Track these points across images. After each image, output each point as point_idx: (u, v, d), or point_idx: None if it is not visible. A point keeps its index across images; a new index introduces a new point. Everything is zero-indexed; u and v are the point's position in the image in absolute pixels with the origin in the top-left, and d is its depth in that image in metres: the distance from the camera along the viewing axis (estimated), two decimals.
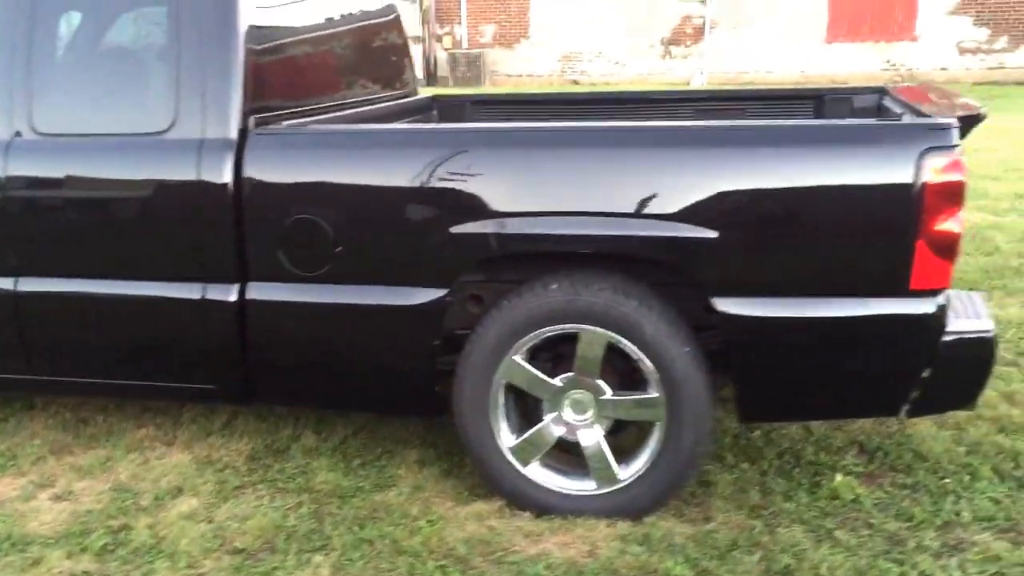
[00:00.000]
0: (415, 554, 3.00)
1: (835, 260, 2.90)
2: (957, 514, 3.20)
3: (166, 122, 3.25)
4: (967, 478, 3.43)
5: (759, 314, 2.93)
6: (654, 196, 2.93)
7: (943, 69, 19.48)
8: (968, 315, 3.08)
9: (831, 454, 3.62)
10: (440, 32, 21.79)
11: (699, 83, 19.92)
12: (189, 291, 3.28)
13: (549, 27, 21.23)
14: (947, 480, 3.42)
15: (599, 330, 3.03)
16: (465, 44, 21.52)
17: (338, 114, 3.70)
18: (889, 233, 2.84)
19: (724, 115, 4.45)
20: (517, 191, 3.02)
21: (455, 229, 3.05)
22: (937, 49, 19.49)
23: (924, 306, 2.85)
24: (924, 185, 2.76)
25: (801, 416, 3.45)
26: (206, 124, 3.21)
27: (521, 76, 21.59)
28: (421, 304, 3.11)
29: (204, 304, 3.27)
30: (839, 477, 3.42)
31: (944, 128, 2.81)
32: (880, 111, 4.01)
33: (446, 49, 21.56)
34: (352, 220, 3.15)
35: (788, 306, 2.93)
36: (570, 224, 2.97)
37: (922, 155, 2.76)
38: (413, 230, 3.11)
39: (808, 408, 3.21)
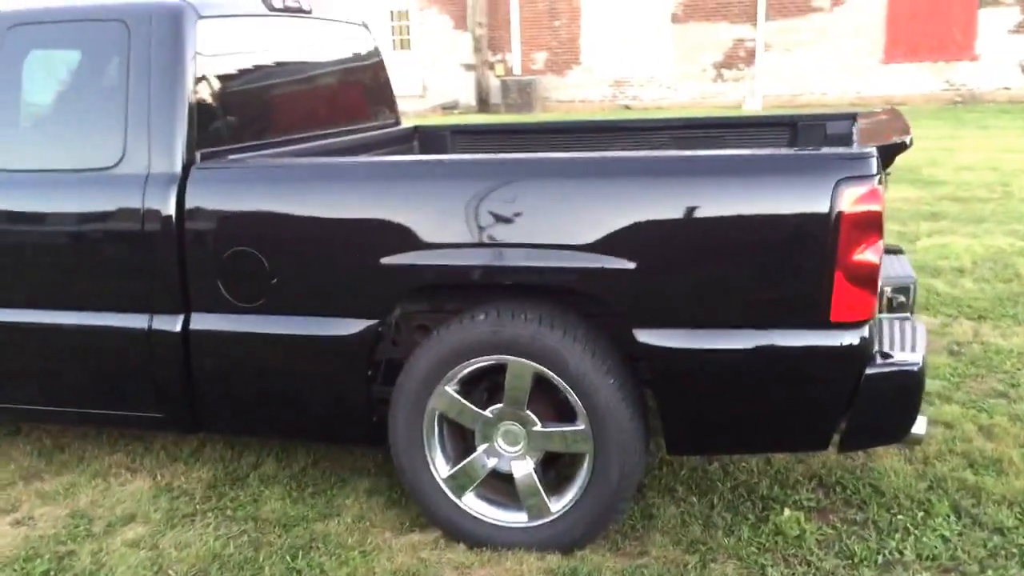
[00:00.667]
0: None
1: (753, 291, 2.86)
2: (901, 552, 3.12)
3: (115, 157, 3.32)
4: (921, 515, 3.34)
5: (679, 346, 2.90)
6: (572, 227, 2.92)
7: (1006, 88, 19.01)
8: (903, 346, 3.01)
9: (786, 488, 3.55)
10: (492, 60, 21.99)
11: (753, 107, 19.74)
12: (137, 321, 3.35)
13: (600, 53, 21.27)
14: (900, 516, 3.34)
15: (525, 361, 3.02)
16: (517, 71, 21.66)
17: (297, 148, 3.76)
18: (806, 264, 2.79)
19: (699, 143, 4.42)
20: (440, 223, 3.03)
21: (385, 260, 3.07)
22: (999, 68, 19.03)
23: (845, 338, 2.79)
24: (840, 215, 2.71)
25: (726, 449, 3.39)
26: (152, 159, 3.28)
27: (573, 102, 21.66)
28: (352, 335, 3.14)
29: (151, 334, 3.33)
30: (787, 512, 3.36)
31: (860, 158, 2.76)
32: (847, 139, 3.95)
33: (498, 76, 21.73)
34: (285, 252, 3.19)
35: (707, 338, 2.89)
36: (490, 256, 2.98)
37: (837, 185, 2.71)
38: (344, 262, 3.14)
39: (733, 441, 3.15)
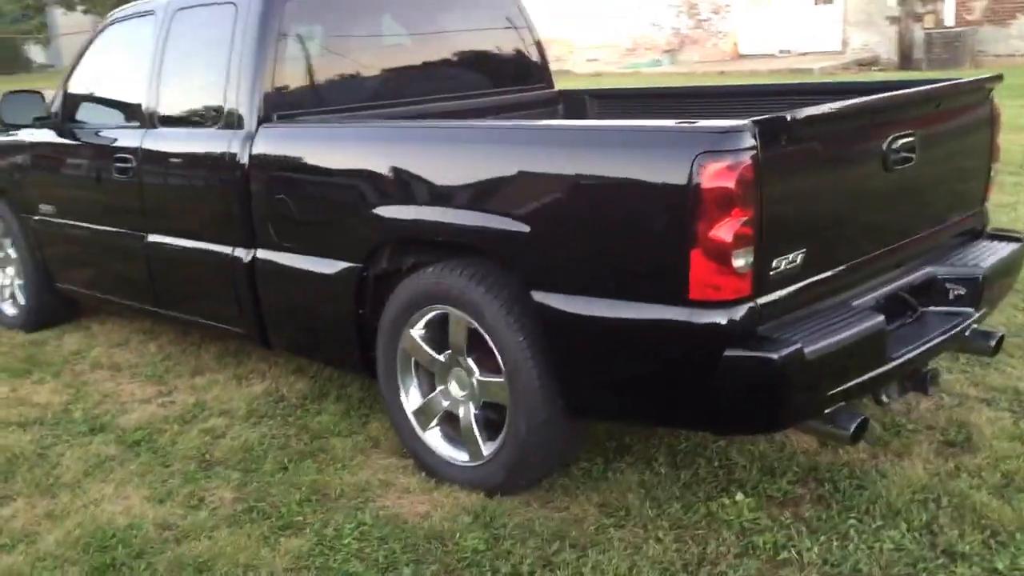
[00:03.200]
0: (296, 485, 3.53)
1: (625, 263, 2.88)
2: (825, 557, 2.95)
3: (219, 116, 4.08)
4: (878, 525, 3.08)
5: (562, 309, 3.00)
6: (481, 190, 3.15)
7: None
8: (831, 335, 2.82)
9: (768, 475, 3.43)
10: (922, 10, 20.27)
11: None
12: (225, 250, 4.10)
13: None
14: (857, 522, 3.11)
15: (458, 312, 3.30)
16: (949, 21, 19.78)
17: (380, 112, 4.24)
18: (667, 239, 2.76)
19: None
20: (389, 182, 3.41)
21: (362, 213, 3.52)
22: None
23: (703, 317, 2.72)
24: (697, 190, 2.66)
25: (611, 415, 3.33)
26: (238, 119, 3.99)
27: (1014, 56, 19.32)
28: (338, 272, 3.62)
29: (233, 262, 4.07)
30: (739, 496, 3.28)
31: (722, 132, 2.66)
32: None
33: (925, 29, 20.01)
34: (304, 201, 3.74)
35: (585, 304, 2.96)
36: (415, 213, 3.29)
37: (696, 159, 2.65)
38: (336, 212, 3.63)
39: (615, 408, 3.16)
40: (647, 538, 3.09)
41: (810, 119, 2.77)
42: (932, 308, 3.45)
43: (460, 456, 3.46)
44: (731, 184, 2.61)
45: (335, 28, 4.29)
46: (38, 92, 5.19)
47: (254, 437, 3.99)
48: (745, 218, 2.66)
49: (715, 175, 2.62)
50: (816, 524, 3.12)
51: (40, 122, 5.03)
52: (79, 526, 3.33)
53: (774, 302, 2.85)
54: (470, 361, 3.36)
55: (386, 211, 3.44)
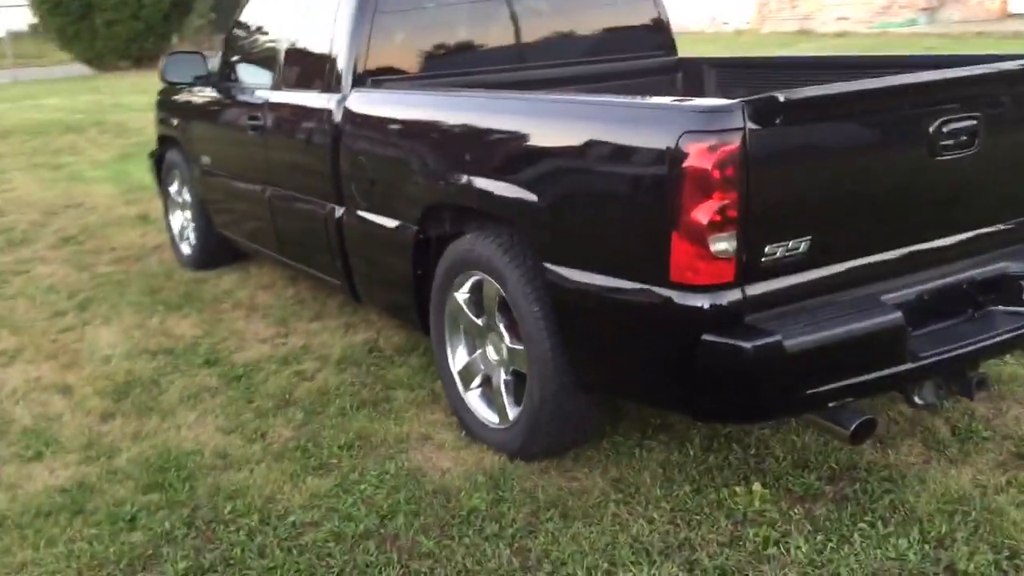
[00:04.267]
0: (346, 430, 3.79)
1: (617, 239, 2.88)
2: (813, 558, 2.87)
3: (323, 82, 4.36)
4: (889, 529, 2.95)
5: (566, 281, 3.04)
6: (499, 159, 3.25)
7: None
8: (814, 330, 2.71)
9: (799, 467, 3.33)
10: None
11: None
12: (325, 208, 4.40)
13: None
14: (867, 527, 2.99)
15: (489, 279, 3.41)
16: None
17: (474, 78, 4.35)
18: (652, 218, 2.73)
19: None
20: (440, 149, 3.56)
21: (414, 180, 3.69)
22: None
23: (683, 299, 2.67)
24: (679, 170, 2.62)
25: (607, 390, 3.27)
26: (335, 85, 4.25)
27: None
28: (396, 229, 3.81)
29: (327, 219, 4.36)
30: (755, 487, 3.22)
31: (708, 111, 2.60)
32: None
33: None
34: (376, 164, 3.96)
35: (584, 278, 2.98)
36: (457, 179, 3.42)
37: (681, 138, 2.61)
38: (400, 174, 3.82)
39: (609, 384, 3.16)
40: (641, 516, 3.09)
41: (810, 100, 2.64)
42: (1001, 307, 3.18)
43: (492, 418, 3.57)
44: (712, 166, 2.54)
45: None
46: (199, 52, 5.69)
47: (334, 382, 4.28)
48: (726, 202, 2.59)
49: (697, 155, 2.56)
50: (823, 523, 3.00)
51: (199, 80, 5.51)
52: (153, 447, 3.73)
53: (773, 290, 2.75)
54: (502, 327, 3.44)
55: (431, 176, 3.58)
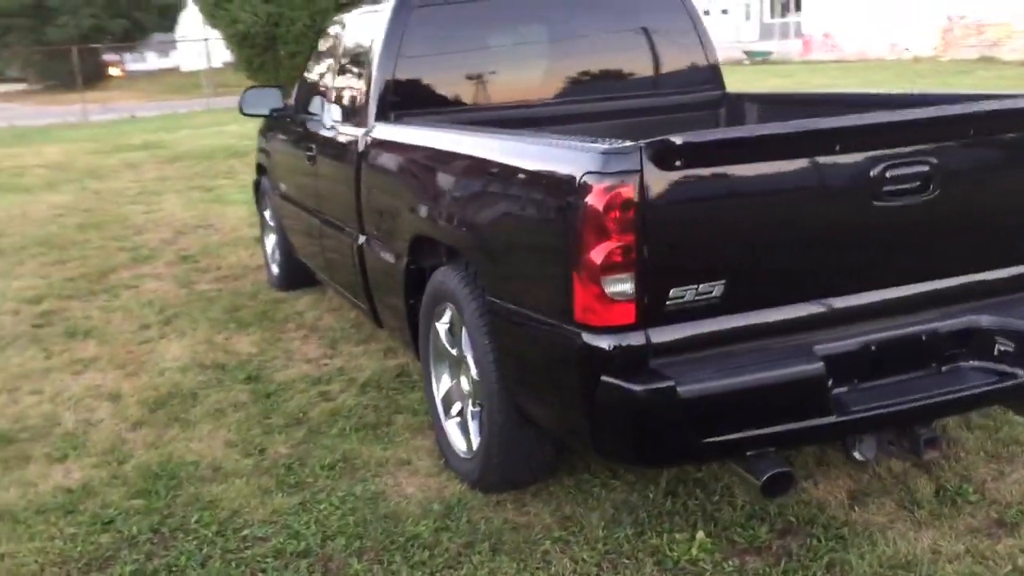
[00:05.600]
0: (335, 451, 3.94)
1: (536, 276, 2.92)
2: None
3: (356, 113, 4.58)
4: None
5: (500, 315, 3.09)
6: (451, 195, 3.35)
7: None
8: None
9: (756, 519, 3.24)
10: None
11: None
12: (350, 237, 4.61)
13: None
14: None
15: (455, 311, 3.50)
16: None
17: (488, 115, 4.44)
18: (558, 257, 2.75)
19: None
20: (420, 182, 3.69)
21: (407, 211, 3.83)
22: None
23: (584, 340, 2.65)
24: (577, 211, 2.64)
25: (538, 424, 3.22)
26: (362, 119, 4.46)
27: None
28: (391, 263, 3.96)
29: (352, 247, 4.56)
30: (698, 536, 3.16)
31: (605, 153, 2.60)
32: None
33: None
34: (376, 197, 4.12)
35: (512, 313, 3.02)
36: (426, 214, 3.54)
37: (581, 179, 2.63)
38: (394, 207, 3.97)
39: (536, 420, 3.14)
40: (570, 556, 3.07)
41: (712, 143, 2.59)
42: (972, 363, 3.00)
43: (462, 447, 3.64)
44: (605, 207, 2.53)
45: (462, 34, 4.53)
46: (278, 86, 6.03)
47: (350, 404, 4.45)
48: (621, 244, 2.57)
49: (594, 196, 2.56)
50: None
51: (276, 112, 5.86)
52: (159, 456, 4.00)
53: (686, 335, 2.70)
54: (469, 359, 3.51)
55: (415, 208, 3.70)
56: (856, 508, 3.24)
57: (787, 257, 2.78)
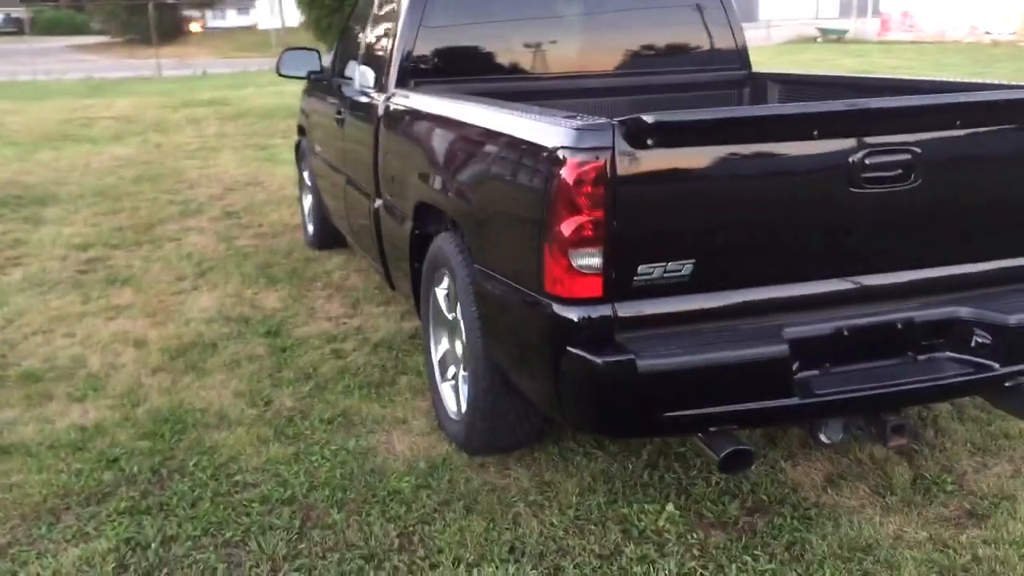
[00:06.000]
0: (336, 406, 4.08)
1: (513, 247, 2.99)
2: (655, 572, 2.89)
3: (378, 80, 4.68)
4: (769, 567, 2.91)
5: (483, 283, 3.18)
6: (444, 164, 3.45)
7: None
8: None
9: (728, 495, 3.30)
10: None
11: None
12: (368, 199, 4.73)
13: None
14: (751, 560, 2.95)
15: (450, 277, 3.60)
16: None
17: (501, 85, 4.49)
18: (532, 229, 2.81)
19: None
20: (423, 154, 3.77)
21: (413, 177, 3.93)
22: None
23: (552, 310, 2.72)
24: (550, 185, 2.71)
25: (518, 392, 3.29)
26: (383, 85, 4.57)
27: None
28: (401, 227, 4.06)
29: (370, 209, 4.69)
30: (668, 507, 3.24)
31: (579, 130, 2.65)
32: None
33: None
34: (393, 162, 4.22)
35: (493, 281, 3.11)
36: (415, 189, 3.63)
37: (554, 154, 2.70)
38: (403, 173, 4.07)
39: (516, 387, 3.22)
40: (539, 519, 3.16)
41: (685, 124, 2.64)
42: (949, 353, 3.02)
43: (453, 409, 3.74)
44: (576, 182, 2.60)
45: (485, 5, 4.60)
46: (314, 49, 6.15)
47: (360, 362, 4.59)
48: (590, 218, 2.64)
49: (566, 171, 2.62)
50: (710, 551, 2.98)
51: (312, 75, 5.98)
52: (171, 401, 4.18)
53: (654, 311, 2.76)
54: (462, 325, 3.60)
55: (419, 174, 3.79)
56: (829, 491, 3.27)
57: (759, 240, 2.81)
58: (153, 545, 3.06)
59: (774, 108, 2.76)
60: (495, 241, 3.11)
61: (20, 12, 55.66)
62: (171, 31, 41.83)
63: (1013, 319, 2.91)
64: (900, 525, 3.05)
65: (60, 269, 6.47)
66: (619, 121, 2.59)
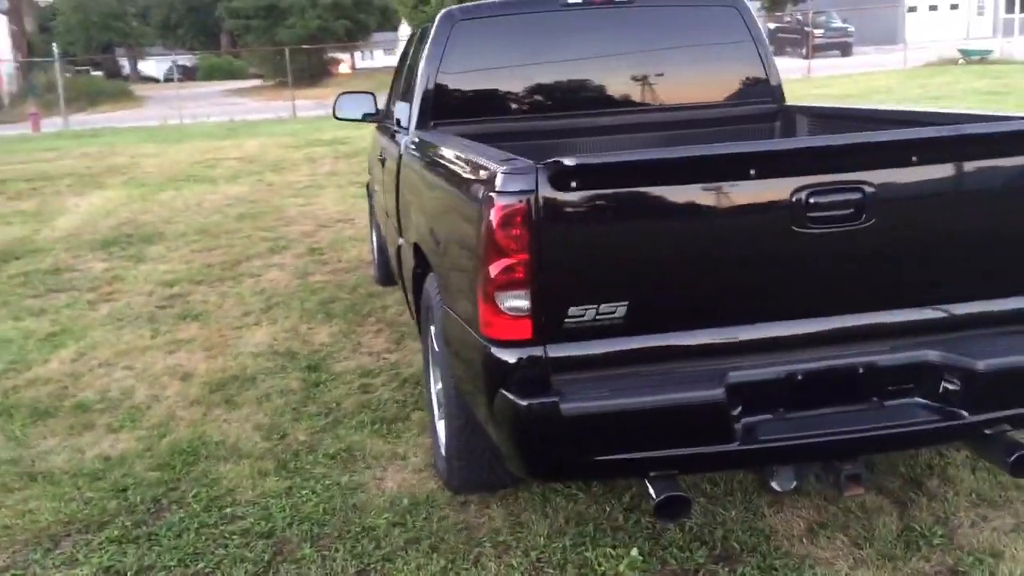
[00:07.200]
0: (343, 441, 4.19)
1: (459, 287, 3.04)
2: None
3: (405, 125, 4.82)
4: None
5: (442, 321, 3.24)
6: (417, 204, 3.50)
7: None
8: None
9: (697, 543, 3.22)
10: None
11: None
12: (396, 240, 4.84)
13: None
14: None
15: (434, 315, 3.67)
16: None
17: (517, 125, 4.55)
18: (469, 270, 2.86)
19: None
20: (419, 195, 3.87)
21: (414, 220, 4.02)
22: None
23: (488, 352, 2.72)
24: (480, 228, 2.73)
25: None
26: (408, 123, 4.69)
27: None
28: (409, 265, 4.15)
29: (397, 247, 4.80)
30: (632, 552, 3.20)
31: (504, 173, 2.66)
32: None
33: None
34: (404, 207, 4.33)
35: (446, 320, 3.17)
36: (420, 225, 3.73)
37: (485, 197, 2.73)
38: (409, 211, 4.17)
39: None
40: (498, 561, 3.16)
41: (608, 166, 2.63)
42: (919, 399, 2.88)
43: (443, 446, 3.78)
44: (500, 225, 2.61)
45: (505, 48, 4.65)
46: (370, 93, 6.33)
47: (385, 398, 4.68)
48: (516, 261, 2.65)
49: (493, 214, 2.64)
50: None
51: (367, 117, 6.17)
52: (193, 433, 4.37)
53: (588, 353, 2.75)
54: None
55: (416, 215, 3.88)
56: (805, 540, 3.15)
57: (697, 282, 2.75)
58: (129, 574, 3.20)
59: (704, 149, 2.69)
60: (452, 282, 3.15)
61: (187, 60, 59.21)
62: (319, 72, 43.54)
63: (982, 364, 2.75)
64: None
65: (143, 304, 6.84)
66: (542, 164, 2.59)
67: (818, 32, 37.14)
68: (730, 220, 2.72)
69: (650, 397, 2.65)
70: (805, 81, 24.94)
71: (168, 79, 57.62)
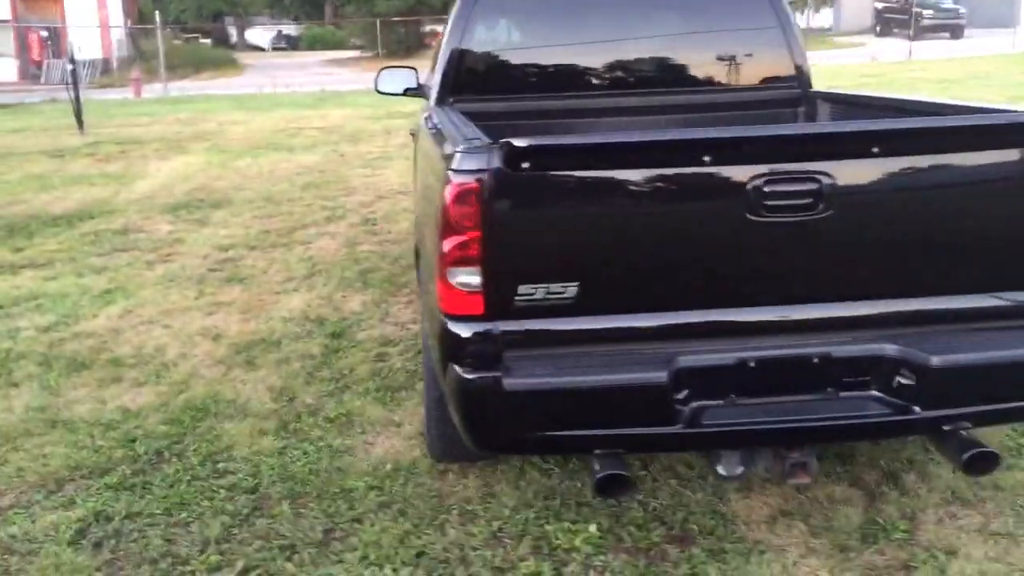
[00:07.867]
0: (346, 407, 4.34)
1: (429, 265, 3.13)
2: None
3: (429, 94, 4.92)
4: None
5: (424, 293, 3.34)
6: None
7: None
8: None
9: (656, 522, 3.28)
10: None
11: None
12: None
13: None
14: None
15: None
16: None
17: (531, 104, 4.60)
18: (435, 248, 2.95)
19: None
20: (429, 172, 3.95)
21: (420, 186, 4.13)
22: None
23: (446, 326, 2.80)
24: (441, 205, 2.81)
25: None
26: (430, 97, 4.79)
27: None
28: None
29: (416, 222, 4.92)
30: (591, 528, 3.27)
31: (462, 152, 2.73)
32: None
33: None
34: (418, 171, 4.43)
35: (427, 296, 3.26)
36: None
37: (446, 175, 2.81)
38: (423, 184, 4.27)
39: None
40: (461, 529, 3.26)
41: (561, 148, 2.67)
42: (874, 392, 2.88)
43: None
44: (454, 202, 2.69)
45: (527, 24, 4.71)
46: (412, 67, 6.42)
47: (397, 367, 4.82)
48: (467, 238, 2.73)
49: (449, 193, 2.73)
50: (604, 574, 2.98)
51: (408, 91, 6.28)
52: (208, 391, 4.57)
53: (538, 330, 2.81)
54: None
55: (416, 188, 3.98)
56: (763, 527, 3.17)
57: (648, 265, 2.78)
58: (116, 518, 3.40)
59: (657, 134, 2.71)
60: (426, 254, 3.24)
61: (291, 29, 60.25)
62: (414, 45, 43.91)
63: (936, 360, 2.73)
64: (815, 569, 2.92)
65: (196, 267, 7.11)
66: (495, 144, 2.65)
67: (927, 13, 35.90)
68: (683, 206, 2.74)
69: (593, 377, 2.70)
70: (902, 64, 24.17)
71: (275, 48, 58.81)
